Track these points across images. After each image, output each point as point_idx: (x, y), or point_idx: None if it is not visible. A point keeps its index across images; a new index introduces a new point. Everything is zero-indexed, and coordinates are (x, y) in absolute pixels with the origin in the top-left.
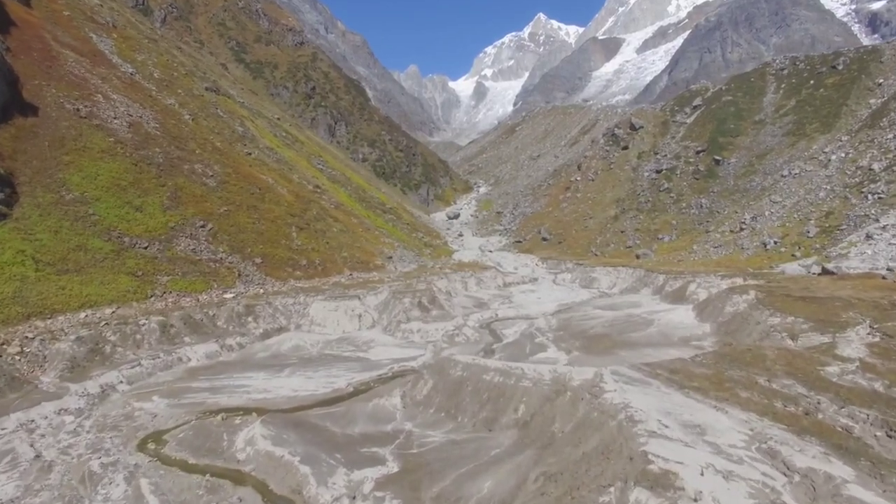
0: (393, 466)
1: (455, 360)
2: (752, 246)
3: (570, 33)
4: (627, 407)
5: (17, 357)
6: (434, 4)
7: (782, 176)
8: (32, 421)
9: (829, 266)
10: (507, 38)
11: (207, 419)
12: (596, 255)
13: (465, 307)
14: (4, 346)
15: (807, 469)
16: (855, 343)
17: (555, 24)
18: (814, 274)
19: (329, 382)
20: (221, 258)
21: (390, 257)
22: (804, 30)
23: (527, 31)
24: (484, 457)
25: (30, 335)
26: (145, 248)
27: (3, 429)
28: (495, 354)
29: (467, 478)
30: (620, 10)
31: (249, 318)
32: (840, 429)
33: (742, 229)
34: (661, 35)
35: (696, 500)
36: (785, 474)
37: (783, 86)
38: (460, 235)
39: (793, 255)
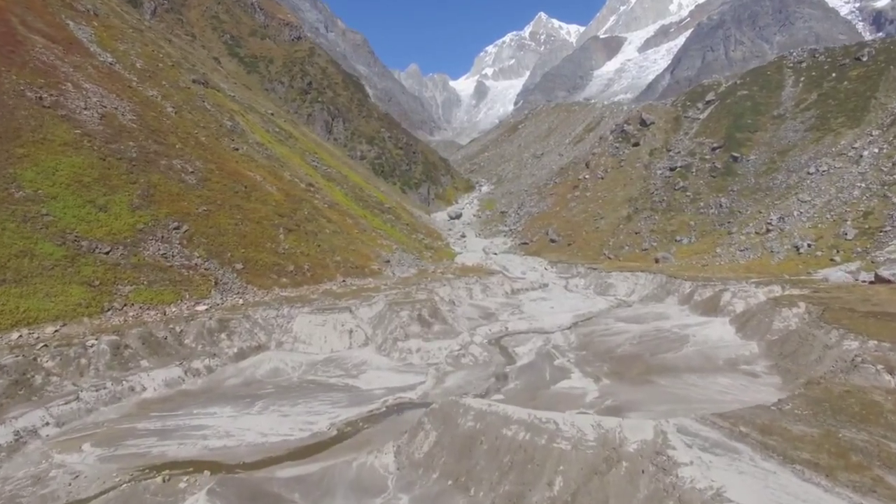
0: None
1: (465, 406)
2: (783, 249)
3: (571, 32)
4: (721, 498)
5: None
6: (435, 3)
7: (808, 173)
8: None
9: (883, 273)
10: (507, 37)
11: (144, 481)
12: (609, 258)
13: (471, 318)
14: None
15: None
16: None
17: (556, 22)
18: (864, 282)
19: (307, 423)
20: (196, 264)
21: (388, 261)
22: (808, 28)
23: (528, 30)
24: None
25: None
26: (106, 253)
27: None
28: (509, 382)
29: None
30: (622, 8)
31: (223, 335)
32: None
33: (769, 231)
34: (663, 34)
35: None
36: None
37: (802, 79)
38: (463, 237)
39: (831, 260)
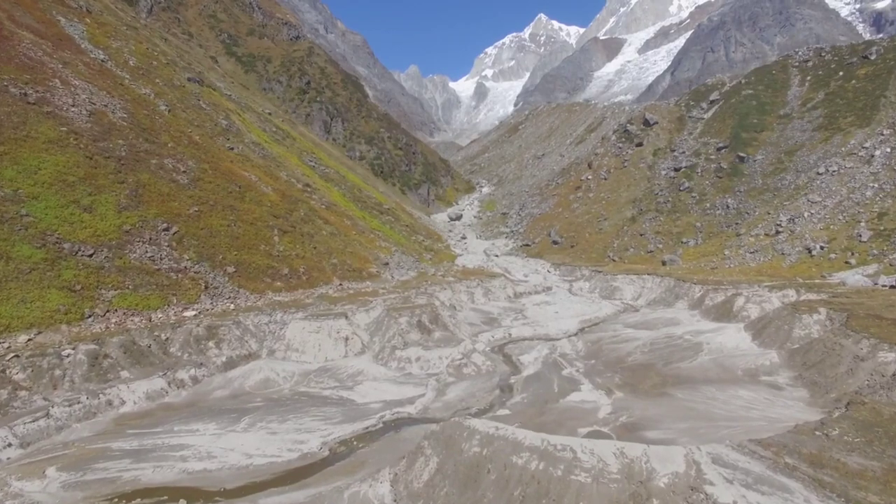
0: None
1: (469, 428)
2: (795, 251)
3: (571, 34)
4: None
5: None
6: (435, 4)
7: (818, 173)
8: None
9: None
10: (507, 39)
11: None
12: (614, 260)
13: (473, 324)
14: None
15: None
16: None
17: (556, 24)
18: (885, 286)
19: (297, 442)
20: (186, 267)
21: (387, 263)
22: (808, 29)
23: (527, 31)
24: None
25: None
26: (90, 255)
27: None
28: (515, 395)
29: None
30: (622, 10)
31: (211, 343)
32: None
33: (778, 232)
34: (663, 35)
35: None
36: None
37: (808, 78)
38: (463, 238)
39: (846, 263)
